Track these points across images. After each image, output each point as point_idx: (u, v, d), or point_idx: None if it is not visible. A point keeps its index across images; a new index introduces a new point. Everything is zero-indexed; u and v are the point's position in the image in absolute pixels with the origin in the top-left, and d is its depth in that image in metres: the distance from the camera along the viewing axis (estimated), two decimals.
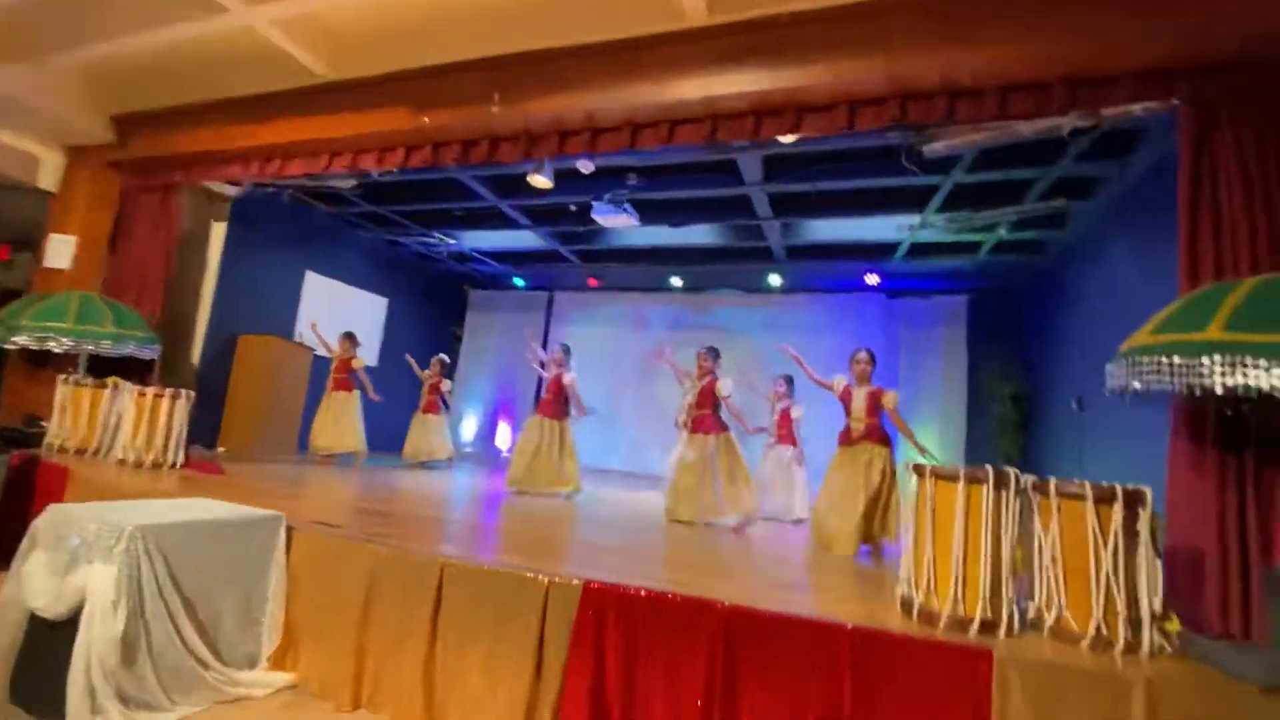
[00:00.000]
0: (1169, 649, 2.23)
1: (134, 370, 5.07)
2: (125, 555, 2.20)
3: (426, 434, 7.21)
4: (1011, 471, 2.38)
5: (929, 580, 2.37)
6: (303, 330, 7.36)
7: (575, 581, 2.40)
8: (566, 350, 5.88)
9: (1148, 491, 2.30)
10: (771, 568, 3.42)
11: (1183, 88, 2.94)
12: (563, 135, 4.16)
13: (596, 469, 8.10)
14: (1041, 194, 5.11)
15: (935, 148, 4.44)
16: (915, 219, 5.80)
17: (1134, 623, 2.22)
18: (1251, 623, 2.45)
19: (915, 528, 2.47)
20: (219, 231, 6.47)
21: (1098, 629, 2.23)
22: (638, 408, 9.28)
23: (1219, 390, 1.95)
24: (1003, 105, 3.20)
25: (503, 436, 9.68)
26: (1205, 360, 1.96)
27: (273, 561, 2.73)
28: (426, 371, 7.53)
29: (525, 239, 7.91)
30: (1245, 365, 1.87)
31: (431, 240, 7.99)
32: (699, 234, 7.24)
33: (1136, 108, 3.28)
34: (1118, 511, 2.28)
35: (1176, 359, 2.06)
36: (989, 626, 2.25)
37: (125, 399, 4.42)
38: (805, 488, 5.89)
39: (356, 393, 6.68)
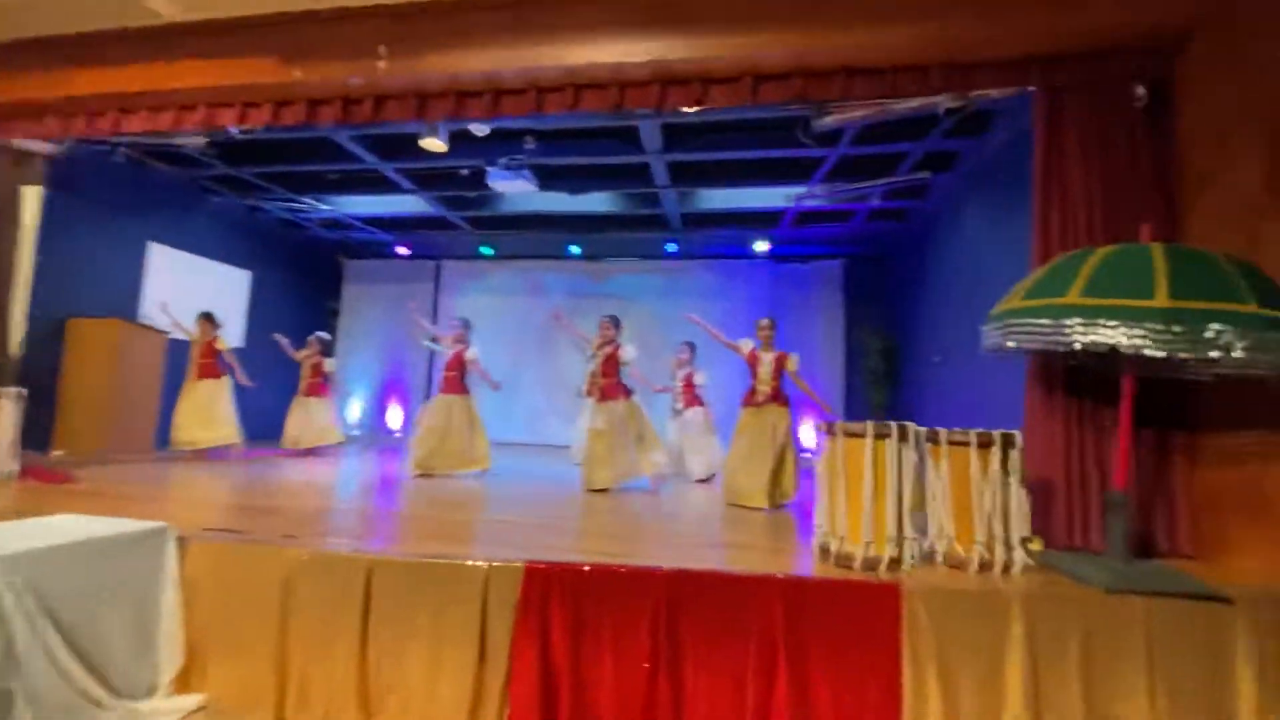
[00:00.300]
0: (1033, 564, 2.64)
1: None
2: None
3: (310, 418, 6.67)
4: (910, 426, 2.65)
5: (843, 527, 2.61)
6: (149, 311, 6.46)
7: (516, 564, 2.39)
8: (466, 324, 5.65)
9: (1018, 435, 2.68)
10: (695, 528, 3.58)
11: (1036, 75, 3.32)
12: (460, 96, 3.90)
13: (496, 442, 7.92)
14: (910, 167, 5.58)
15: (824, 122, 4.69)
16: (802, 189, 6.11)
17: (1008, 545, 2.61)
18: (1090, 536, 2.96)
19: (829, 481, 2.70)
20: (33, 197, 5.44)
21: (980, 554, 2.59)
22: (536, 377, 9.17)
23: (1078, 347, 2.28)
24: (892, 85, 3.44)
25: (393, 416, 9.18)
26: (1068, 321, 2.29)
27: (164, 578, 2.45)
28: (304, 351, 6.92)
29: (410, 204, 7.40)
30: (1099, 325, 2.21)
31: (300, 206, 7.24)
32: (596, 201, 7.16)
33: (995, 91, 3.68)
34: (995, 454, 2.63)
35: (1045, 321, 2.38)
36: (895, 563, 2.53)
37: None
38: (712, 449, 6.18)
39: (226, 379, 6.01)
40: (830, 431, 2.71)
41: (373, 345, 9.25)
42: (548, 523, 3.55)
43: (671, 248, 8.01)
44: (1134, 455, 2.93)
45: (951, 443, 2.67)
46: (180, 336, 6.11)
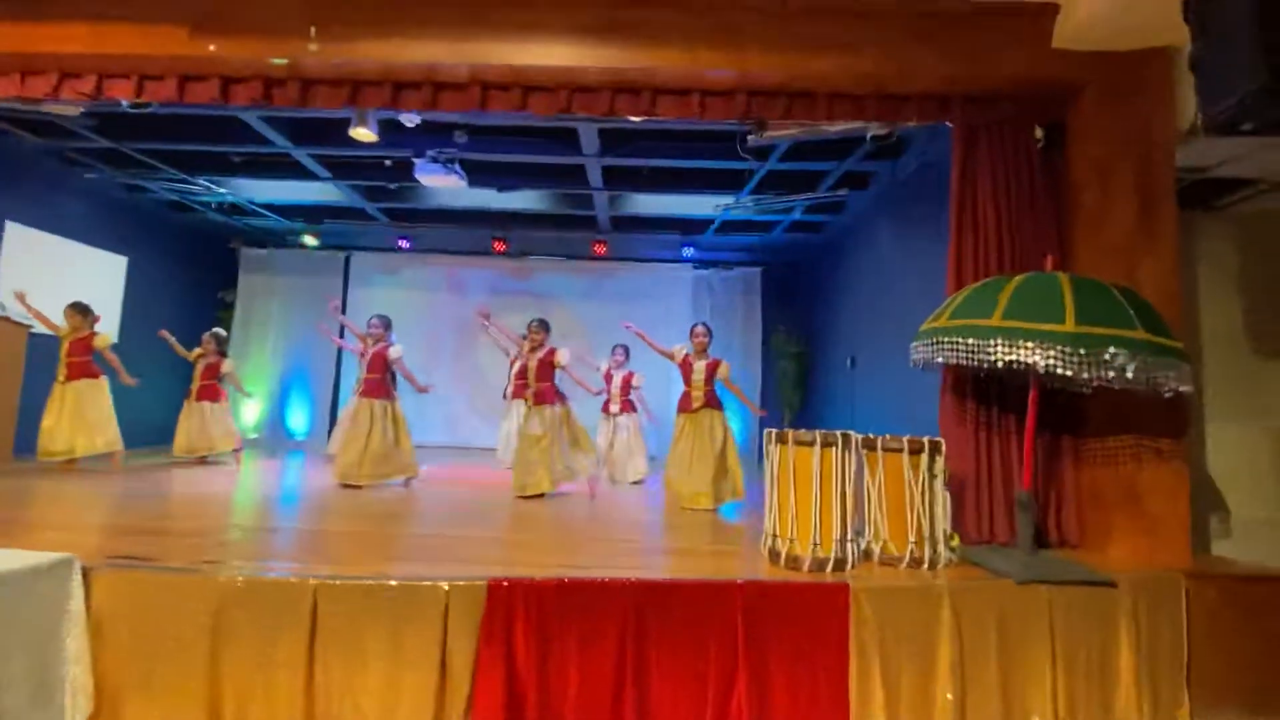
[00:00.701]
0: (955, 559, 2.91)
1: None
2: None
3: (204, 424, 6.07)
4: (851, 434, 2.85)
5: (792, 530, 2.76)
6: (4, 300, 5.63)
7: (479, 581, 2.33)
8: (387, 323, 5.37)
9: (943, 442, 2.94)
10: (645, 534, 3.63)
11: (955, 111, 3.64)
12: (397, 87, 3.70)
13: (414, 444, 7.62)
14: (831, 184, 5.93)
15: (759, 138, 4.88)
16: (730, 199, 6.32)
17: (934, 543, 2.86)
18: (995, 530, 3.30)
19: (778, 486, 2.84)
20: None
21: (912, 551, 2.82)
22: (455, 378, 8.85)
23: (1000, 364, 2.55)
24: (829, 109, 3.65)
25: (296, 419, 8.54)
26: (993, 342, 2.55)
27: (66, 616, 2.17)
28: (196, 350, 6.30)
29: (319, 191, 6.91)
30: (1019, 346, 2.48)
31: (192, 188, 6.56)
32: (524, 199, 7.03)
33: (915, 122, 4.00)
34: (923, 459, 2.88)
35: (971, 340, 2.63)
36: (840, 564, 2.71)
37: None
38: (644, 453, 6.25)
39: (104, 379, 5.35)
40: (782, 440, 2.85)
41: (272, 341, 8.55)
42: (490, 535, 3.48)
43: (601, 249, 8.00)
44: (1043, 459, 3.32)
45: (886, 449, 2.89)
46: (44, 331, 5.37)
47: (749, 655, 2.40)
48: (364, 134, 4.21)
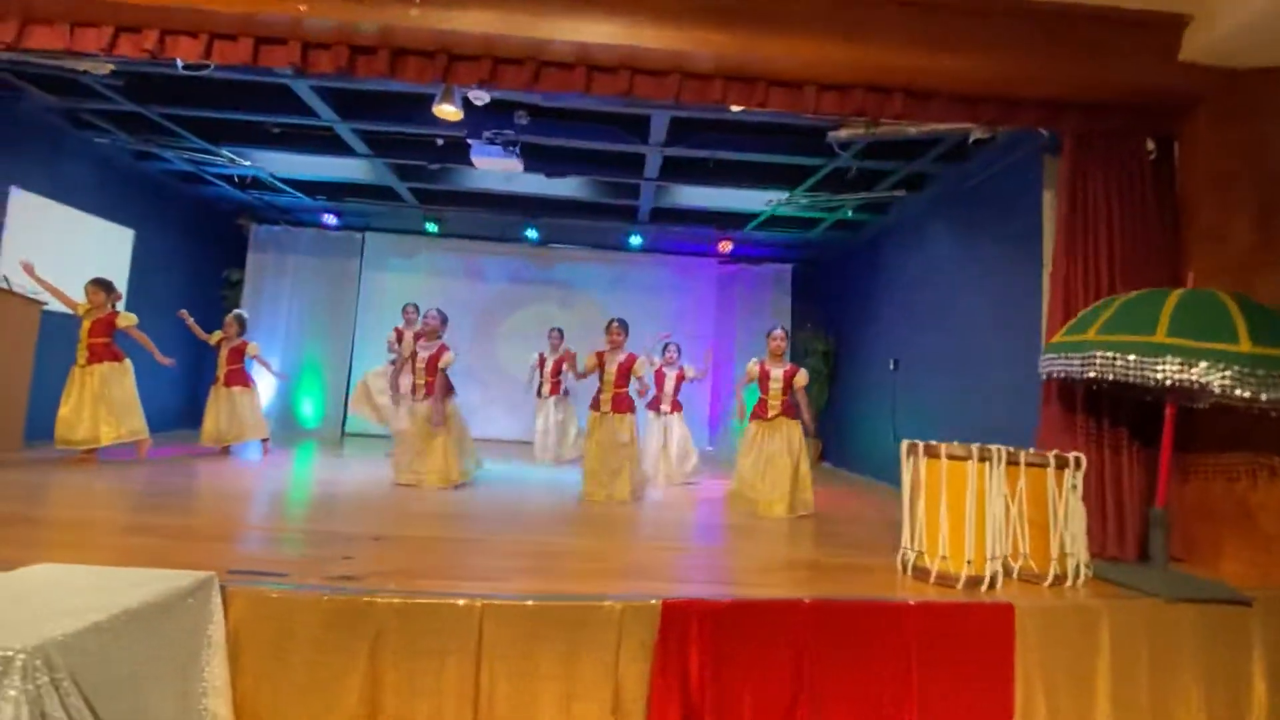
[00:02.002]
0: (1091, 576, 2.88)
1: None
2: (24, 695, 1.37)
3: (234, 412, 5.70)
4: (998, 448, 2.77)
5: (943, 547, 2.67)
6: (8, 273, 5.18)
7: (653, 601, 2.18)
8: (444, 318, 5.06)
9: (1083, 457, 2.89)
10: (760, 548, 3.48)
11: (1069, 118, 3.58)
12: (498, 62, 3.46)
13: None
14: (890, 184, 5.85)
15: (839, 135, 4.77)
16: (783, 193, 6.20)
17: (1075, 559, 2.82)
18: (1107, 545, 3.28)
19: (925, 500, 2.75)
20: None
21: (1054, 569, 2.77)
22: (472, 368, 8.56)
23: (1168, 383, 2.50)
24: (945, 110, 3.55)
25: (306, 407, 8.15)
26: (1161, 359, 2.49)
27: (206, 642, 1.95)
28: (217, 333, 5.91)
29: (345, 168, 6.54)
30: (1192, 365, 2.43)
31: (214, 159, 6.12)
32: (561, 186, 6.76)
33: (1015, 127, 3.94)
34: (1067, 474, 2.83)
35: (1133, 356, 2.58)
36: (990, 582, 2.64)
37: None
38: (694, 451, 6.13)
39: (128, 362, 4.97)
40: (931, 453, 2.76)
41: (284, 324, 8.12)
42: (606, 546, 3.31)
43: (636, 240, 7.80)
44: (1150, 472, 3.31)
45: (1029, 463, 2.83)
46: (60, 309, 4.95)
47: (921, 677, 2.32)
48: (449, 111, 3.94)
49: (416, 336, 5.38)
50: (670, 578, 2.63)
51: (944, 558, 2.67)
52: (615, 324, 4.79)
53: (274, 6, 3.19)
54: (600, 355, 4.79)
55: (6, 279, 5.12)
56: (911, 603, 2.38)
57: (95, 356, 4.83)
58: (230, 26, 3.33)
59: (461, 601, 2.09)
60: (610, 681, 2.10)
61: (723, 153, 5.41)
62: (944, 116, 3.59)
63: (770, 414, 4.48)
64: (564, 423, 6.77)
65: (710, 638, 2.19)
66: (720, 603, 2.22)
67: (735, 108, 3.78)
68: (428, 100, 5.07)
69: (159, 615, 1.79)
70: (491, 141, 5.18)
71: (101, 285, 4.96)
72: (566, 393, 6.78)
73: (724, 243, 7.88)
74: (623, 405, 4.65)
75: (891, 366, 6.69)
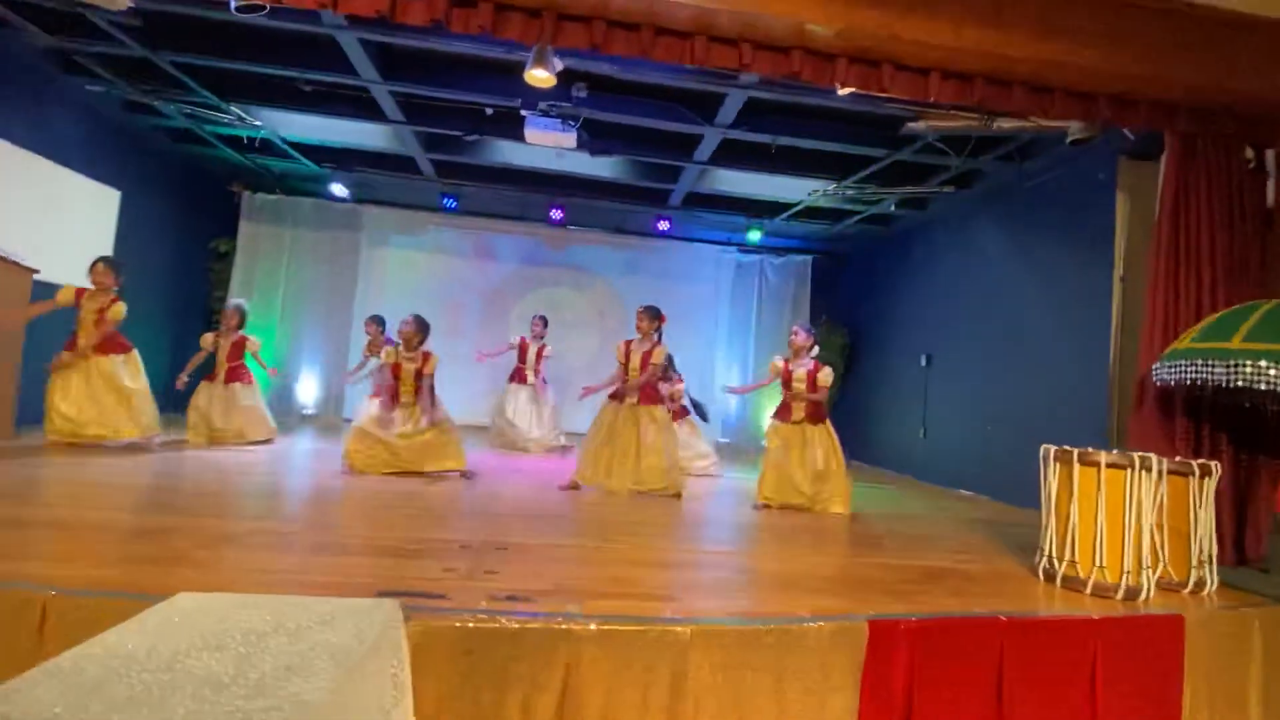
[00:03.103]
0: (1219, 583, 2.88)
1: None
2: None
3: (230, 410, 5.16)
4: (1135, 455, 2.72)
5: (1099, 557, 2.61)
6: None
7: (859, 621, 2.02)
8: (420, 324, 4.65)
9: (1218, 466, 2.88)
10: (857, 551, 3.37)
11: (1179, 120, 3.55)
12: (610, 25, 3.17)
13: None
14: (942, 180, 5.79)
15: (916, 126, 4.65)
16: (830, 184, 6.07)
17: (1211, 566, 2.81)
18: (1225, 553, 3.28)
19: (1079, 509, 2.68)
20: None
21: (1193, 576, 2.76)
22: (473, 354, 8.16)
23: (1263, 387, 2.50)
24: (1063, 106, 3.46)
25: (306, 388, 7.61)
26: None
27: (392, 682, 1.68)
28: (213, 332, 5.39)
29: (367, 135, 6.06)
30: None
31: (217, 117, 5.53)
32: (595, 165, 6.43)
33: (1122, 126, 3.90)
34: (1207, 483, 2.81)
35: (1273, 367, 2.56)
36: (1136, 593, 2.59)
37: None
38: (707, 443, 6.04)
39: (135, 353, 4.46)
40: (1086, 461, 2.69)
41: (282, 299, 7.51)
42: (719, 551, 3.13)
43: (663, 225, 7.55)
44: (1242, 477, 3.35)
45: (1171, 472, 2.79)
46: (50, 277, 4.38)
47: (1105, 692, 2.25)
48: (542, 77, 3.59)
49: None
50: (819, 590, 2.46)
51: (1100, 568, 2.60)
52: (642, 311, 4.51)
53: None
54: (627, 345, 4.53)
55: None
56: (1095, 617, 2.30)
57: (106, 347, 4.31)
58: None
59: (669, 626, 1.87)
60: (820, 709, 1.94)
61: (785, 138, 5.22)
62: (1061, 113, 3.50)
63: (794, 417, 4.34)
64: (540, 411, 6.54)
65: (918, 659, 2.05)
66: (926, 621, 2.08)
67: (844, 90, 3.59)
68: (476, 64, 4.75)
69: (370, 655, 1.52)
70: (547, 114, 4.85)
71: (113, 266, 4.42)
72: (545, 382, 6.62)
73: (753, 231, 7.72)
74: (649, 397, 4.41)
75: (923, 362, 6.70)
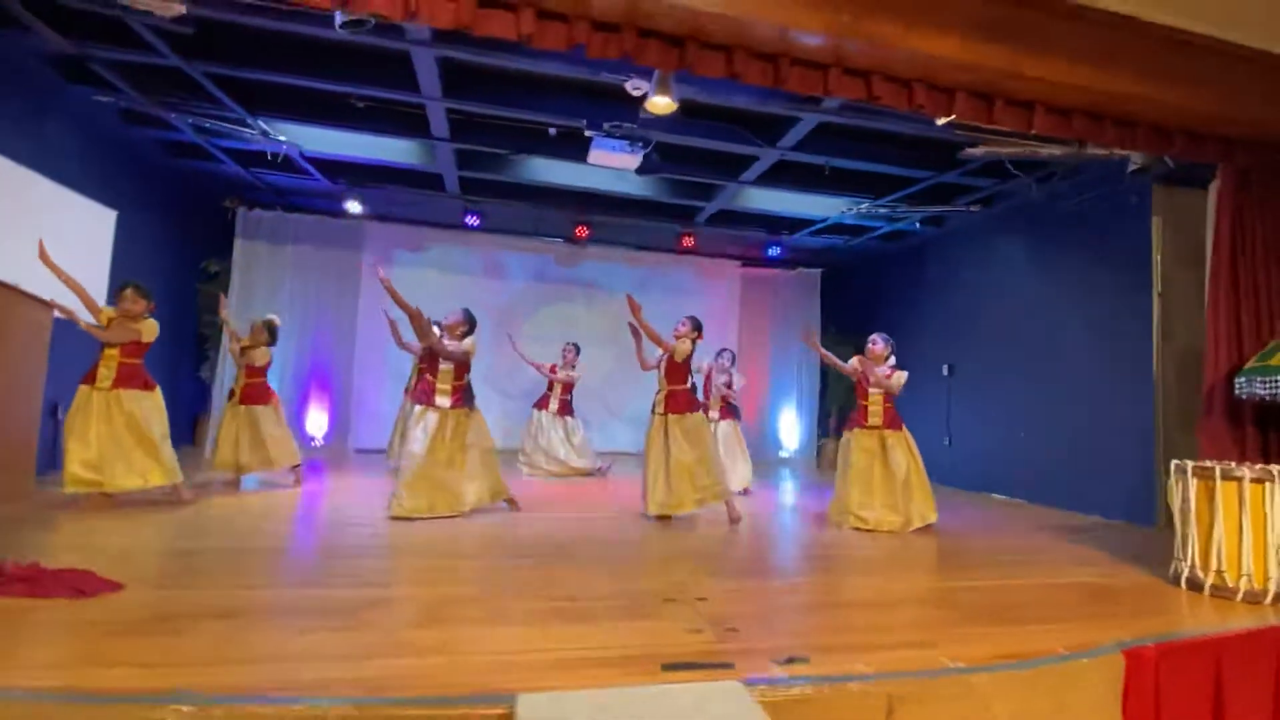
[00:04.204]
0: None
1: None
2: None
3: (256, 435, 4.76)
4: (1274, 470, 2.93)
5: (1245, 565, 2.79)
6: None
7: (1113, 652, 2.07)
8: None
9: None
10: (1008, 570, 3.45)
11: (1237, 153, 3.87)
12: (703, 46, 3.13)
13: None
14: (970, 201, 6.07)
15: (974, 151, 4.85)
16: (863, 203, 6.24)
17: None
18: None
19: (1224, 521, 2.85)
20: None
21: None
22: (489, 372, 7.88)
23: None
24: (1147, 140, 3.70)
25: (314, 420, 7.09)
26: None
27: None
28: (244, 341, 4.96)
29: (391, 150, 5.74)
30: None
31: (236, 130, 5.09)
32: (626, 182, 6.34)
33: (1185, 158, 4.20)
34: None
35: None
36: (1263, 595, 2.78)
37: None
38: (747, 457, 6.07)
39: (158, 390, 4.04)
40: (1226, 476, 2.86)
41: (285, 324, 6.94)
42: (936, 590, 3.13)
43: (688, 243, 7.52)
44: None
45: None
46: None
47: None
48: (663, 104, 3.50)
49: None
50: (1023, 620, 2.50)
51: (1247, 576, 2.78)
52: (686, 323, 4.43)
53: None
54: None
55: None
56: None
57: (126, 380, 3.86)
58: None
59: (964, 676, 1.85)
60: None
61: (839, 160, 5.33)
62: (1143, 146, 3.73)
63: (869, 422, 4.47)
64: (567, 437, 6.53)
65: (1179, 687, 2.11)
66: (1178, 643, 2.16)
67: (943, 121, 3.71)
68: (540, 83, 4.58)
69: None
70: (610, 135, 4.74)
71: (144, 293, 3.97)
72: (573, 411, 6.64)
73: (773, 247, 7.83)
74: (680, 405, 4.28)
75: (945, 372, 6.98)
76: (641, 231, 7.71)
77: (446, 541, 3.41)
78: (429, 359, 4.27)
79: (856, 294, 8.74)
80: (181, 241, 6.42)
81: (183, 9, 3.47)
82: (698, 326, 4.52)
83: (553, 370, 6.65)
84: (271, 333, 5.03)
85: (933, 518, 4.31)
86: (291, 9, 3.43)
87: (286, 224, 7.02)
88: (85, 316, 3.92)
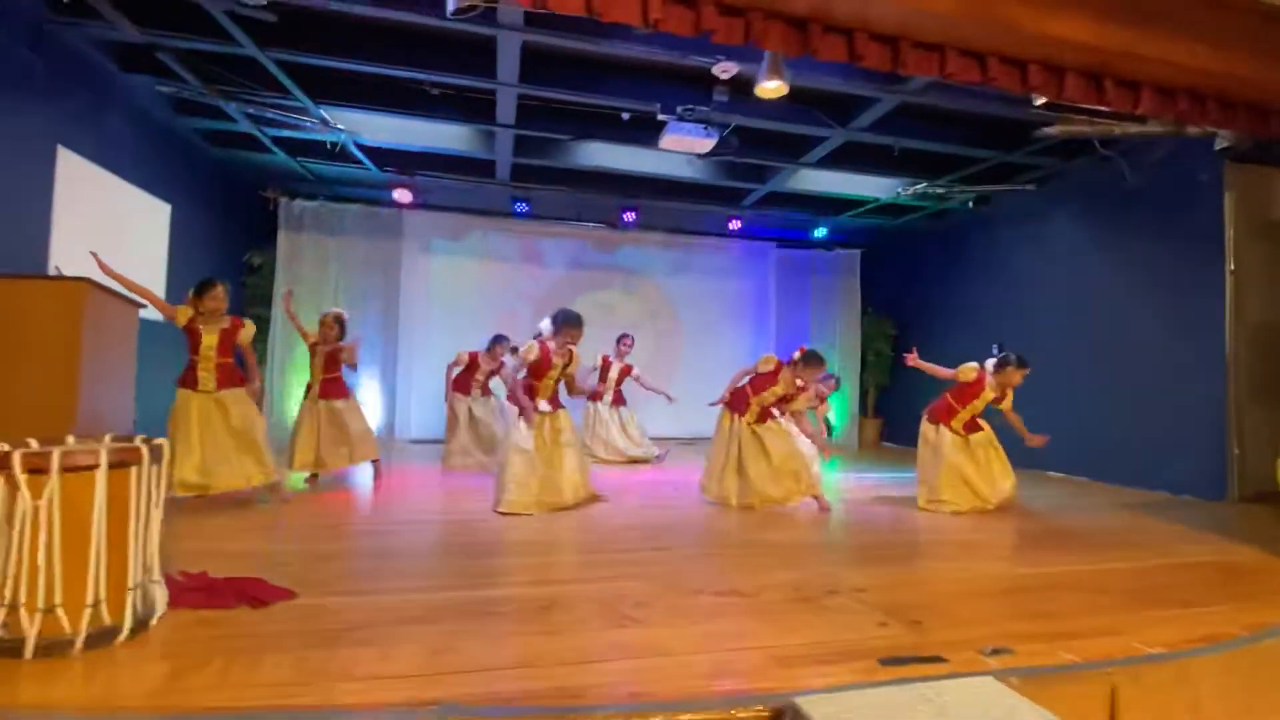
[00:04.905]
0: None
1: None
2: None
3: (338, 431, 4.72)
4: None
5: None
6: (57, 263, 3.95)
7: None
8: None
9: None
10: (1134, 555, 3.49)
11: None
12: (826, 29, 3.07)
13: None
14: (1029, 179, 6.04)
15: (1051, 131, 4.82)
16: (922, 183, 6.20)
17: None
18: None
19: None
20: None
21: None
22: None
23: None
24: (1248, 120, 3.68)
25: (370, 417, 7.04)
26: None
27: None
28: (313, 336, 4.89)
29: (443, 137, 5.63)
30: None
31: (293, 119, 4.96)
32: (677, 165, 6.26)
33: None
34: None
35: None
36: None
37: None
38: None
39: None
40: None
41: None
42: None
43: (735, 225, 7.45)
44: None
45: None
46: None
47: None
48: (774, 87, 3.43)
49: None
50: (1186, 601, 2.52)
51: None
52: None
53: None
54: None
55: (59, 269, 3.89)
56: None
57: (227, 380, 3.82)
58: None
59: (1190, 659, 1.88)
60: None
61: (906, 140, 5.28)
62: (1244, 127, 3.72)
63: (958, 426, 4.51)
64: (624, 427, 6.52)
65: None
66: None
67: (1040, 101, 3.68)
68: (607, 65, 4.49)
69: None
70: (683, 119, 4.66)
71: (227, 289, 3.89)
72: (625, 401, 6.63)
73: (819, 228, 7.79)
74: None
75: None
76: (678, 215, 7.64)
77: (568, 535, 3.42)
78: (533, 371, 4.15)
79: (893, 272, 8.72)
80: (224, 234, 6.29)
81: None
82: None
83: (605, 362, 6.55)
84: (341, 325, 4.96)
85: (1013, 493, 4.41)
86: None
87: (330, 214, 6.89)
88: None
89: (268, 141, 5.48)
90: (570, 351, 4.16)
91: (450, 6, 2.99)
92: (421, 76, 4.37)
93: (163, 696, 1.57)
